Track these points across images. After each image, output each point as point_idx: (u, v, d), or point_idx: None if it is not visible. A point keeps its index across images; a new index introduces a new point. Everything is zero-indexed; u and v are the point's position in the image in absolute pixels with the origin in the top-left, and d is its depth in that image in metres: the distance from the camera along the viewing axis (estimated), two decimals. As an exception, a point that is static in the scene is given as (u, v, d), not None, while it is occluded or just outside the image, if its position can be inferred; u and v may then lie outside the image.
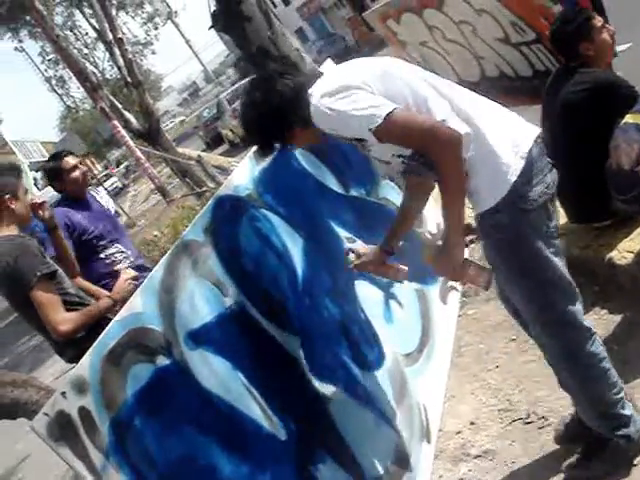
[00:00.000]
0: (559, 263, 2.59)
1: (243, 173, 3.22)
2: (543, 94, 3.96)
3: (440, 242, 2.72)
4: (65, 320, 3.39)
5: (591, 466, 2.85)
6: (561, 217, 4.24)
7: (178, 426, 2.35)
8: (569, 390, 2.87)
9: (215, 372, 2.56)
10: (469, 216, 5.34)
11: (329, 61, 4.73)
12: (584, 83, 3.58)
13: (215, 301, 2.72)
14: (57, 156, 4.54)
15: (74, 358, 3.54)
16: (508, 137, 2.50)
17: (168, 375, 2.40)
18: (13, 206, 3.54)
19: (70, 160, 4.47)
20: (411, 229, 3.12)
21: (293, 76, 2.71)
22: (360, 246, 3.09)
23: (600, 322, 3.64)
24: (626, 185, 3.28)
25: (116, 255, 4.46)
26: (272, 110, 2.62)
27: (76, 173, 4.46)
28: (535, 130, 2.59)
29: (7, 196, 3.53)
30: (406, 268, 3.07)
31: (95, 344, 2.25)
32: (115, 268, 4.36)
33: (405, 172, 2.60)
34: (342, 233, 3.65)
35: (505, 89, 6.06)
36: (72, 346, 3.56)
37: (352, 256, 3.06)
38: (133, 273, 3.89)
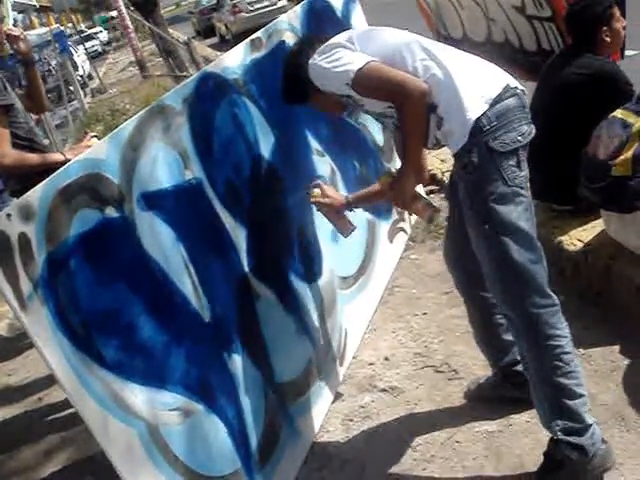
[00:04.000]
0: (522, 214, 2.56)
1: (236, 57, 3.19)
2: (544, 68, 3.97)
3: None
4: (8, 155, 3.37)
5: None
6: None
7: (110, 279, 2.35)
8: (528, 370, 2.72)
9: (159, 238, 2.56)
10: (436, 167, 5.41)
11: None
12: (589, 68, 3.64)
13: (176, 171, 2.70)
14: None
15: (16, 192, 3.54)
16: (478, 83, 2.58)
17: (113, 227, 2.39)
18: None
19: None
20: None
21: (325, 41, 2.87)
22: (327, 187, 3.28)
23: (532, 298, 3.73)
24: (596, 175, 3.32)
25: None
26: (296, 66, 2.87)
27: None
28: (512, 82, 2.60)
29: None
30: (355, 226, 3.29)
31: (51, 177, 2.22)
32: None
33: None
34: (313, 144, 3.67)
35: (505, 57, 6.04)
36: (16, 180, 3.55)
37: (317, 191, 3.22)
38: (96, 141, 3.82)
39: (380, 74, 2.58)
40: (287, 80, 2.96)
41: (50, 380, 4.47)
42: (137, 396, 2.38)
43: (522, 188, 2.56)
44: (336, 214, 3.24)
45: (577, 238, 3.79)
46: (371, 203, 3.28)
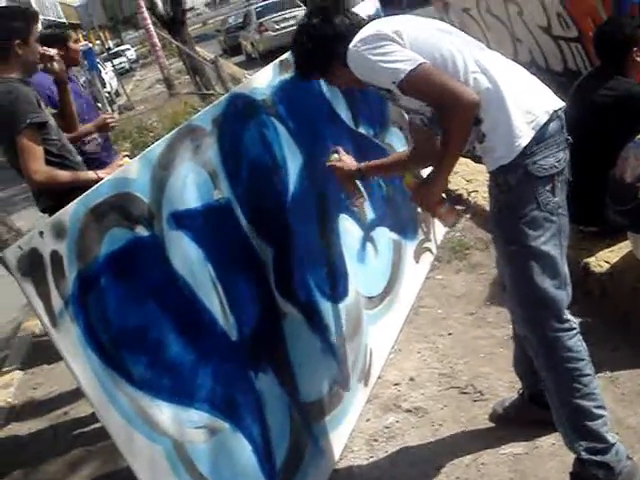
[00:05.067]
0: (550, 240, 2.57)
1: (264, 78, 3.23)
2: (572, 89, 3.97)
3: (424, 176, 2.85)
4: (40, 171, 3.42)
5: None
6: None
7: (139, 296, 2.38)
8: (548, 393, 2.74)
9: (187, 257, 2.60)
10: (462, 187, 5.40)
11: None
12: (617, 90, 3.64)
13: (205, 190, 2.74)
14: (61, 26, 4.66)
15: (47, 208, 3.60)
16: (526, 104, 2.53)
17: (143, 246, 2.43)
18: (21, 51, 3.50)
19: (73, 34, 4.50)
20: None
21: (349, 16, 2.81)
22: (345, 154, 3.31)
23: (558, 320, 3.72)
24: (623, 197, 3.32)
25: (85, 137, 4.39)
26: (323, 38, 2.73)
27: (77, 46, 4.49)
28: (556, 104, 2.61)
29: (17, 41, 3.49)
30: (364, 197, 3.36)
31: (83, 195, 2.26)
32: (84, 149, 4.33)
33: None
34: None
35: (532, 77, 6.07)
36: (48, 196, 3.60)
37: (335, 156, 3.28)
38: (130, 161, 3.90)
39: (433, 78, 2.48)
40: (308, 51, 2.80)
41: (75, 394, 4.52)
42: (164, 413, 2.40)
43: (553, 214, 2.57)
44: (347, 179, 3.27)
45: (604, 260, 3.77)
46: (383, 175, 3.31)
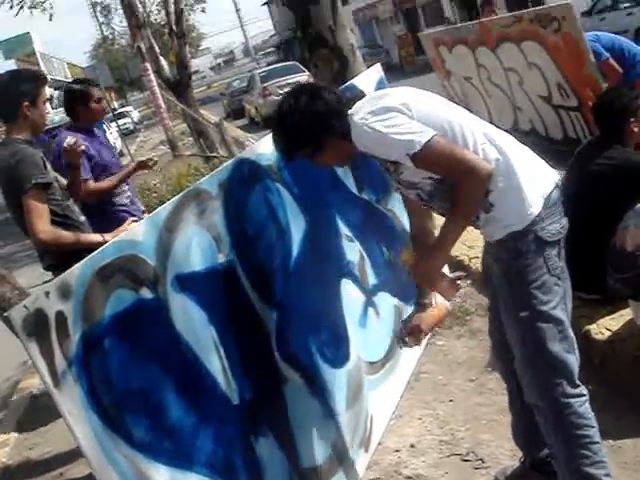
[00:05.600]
0: (559, 304, 2.62)
1: (269, 144, 3.27)
2: (573, 157, 4.03)
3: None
4: (46, 231, 3.48)
5: None
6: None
7: (142, 358, 2.39)
8: (556, 460, 2.76)
9: (191, 320, 2.61)
10: (463, 254, 5.42)
11: (378, 66, 4.79)
12: (616, 159, 3.69)
13: (210, 254, 2.77)
14: (86, 82, 4.64)
15: (51, 266, 3.65)
16: (532, 175, 2.60)
17: (147, 308, 2.45)
18: (29, 113, 3.60)
19: (97, 91, 4.55)
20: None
21: (337, 92, 2.81)
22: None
23: (560, 387, 3.71)
24: (624, 265, 3.35)
25: (116, 189, 4.51)
26: (316, 115, 2.66)
27: (100, 104, 4.57)
28: (556, 175, 2.70)
29: (25, 103, 3.58)
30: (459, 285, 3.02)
31: (90, 257, 2.29)
32: (113, 199, 4.46)
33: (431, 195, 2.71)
34: (343, 229, 3.71)
35: (531, 146, 6.11)
36: (52, 255, 3.64)
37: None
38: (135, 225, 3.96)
39: (447, 150, 2.49)
40: (300, 130, 2.68)
41: (71, 455, 4.47)
42: (162, 476, 2.39)
43: (560, 278, 2.62)
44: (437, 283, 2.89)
45: (605, 327, 3.78)
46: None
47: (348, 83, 4.39)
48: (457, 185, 2.52)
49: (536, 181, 2.59)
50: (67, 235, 3.56)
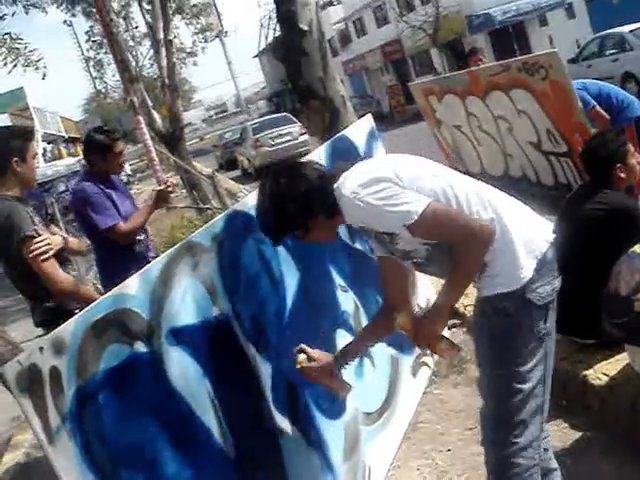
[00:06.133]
0: (539, 364, 2.61)
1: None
2: (564, 203, 4.05)
3: (418, 310, 2.80)
4: (67, 279, 3.55)
5: None
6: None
7: (137, 413, 2.37)
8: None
9: (185, 373, 2.60)
10: (459, 303, 5.39)
11: (369, 117, 4.83)
12: (609, 203, 3.71)
13: (204, 307, 2.77)
14: (109, 133, 4.46)
15: (41, 322, 3.66)
16: (527, 234, 2.57)
17: (141, 362, 2.44)
18: (19, 169, 3.63)
19: (121, 144, 4.47)
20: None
21: (317, 167, 2.74)
22: (313, 350, 2.95)
23: (559, 434, 3.68)
24: (619, 310, 3.33)
25: None
26: (299, 196, 2.58)
27: (122, 159, 4.52)
28: (551, 232, 2.66)
29: (15, 159, 3.61)
30: (351, 386, 3.02)
31: (83, 312, 2.29)
32: (135, 249, 4.43)
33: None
34: (337, 279, 3.72)
35: (523, 192, 6.14)
36: (43, 311, 3.64)
37: (302, 357, 2.92)
38: None
39: (444, 216, 2.46)
40: (284, 215, 2.60)
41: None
42: (158, 534, 2.35)
43: (543, 340, 2.60)
44: (328, 377, 2.94)
45: (602, 372, 3.75)
46: (362, 352, 3.00)
47: (339, 134, 4.42)
48: (458, 248, 2.50)
49: (531, 241, 2.56)
50: (86, 288, 3.60)
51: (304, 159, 2.86)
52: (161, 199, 4.54)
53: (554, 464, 2.93)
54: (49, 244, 3.52)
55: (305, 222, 2.63)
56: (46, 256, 3.52)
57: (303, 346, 2.95)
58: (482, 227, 2.46)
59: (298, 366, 2.91)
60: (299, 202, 2.58)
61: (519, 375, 2.58)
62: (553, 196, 5.58)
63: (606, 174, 3.85)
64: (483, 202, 2.55)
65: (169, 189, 4.57)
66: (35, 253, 3.48)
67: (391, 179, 2.50)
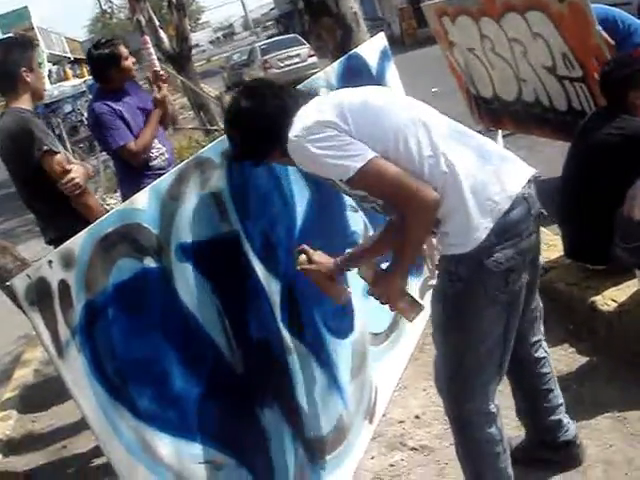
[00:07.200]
0: (495, 322, 2.51)
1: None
2: (577, 129, 3.98)
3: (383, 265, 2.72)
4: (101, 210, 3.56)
5: None
6: (558, 251, 4.31)
7: (146, 328, 2.37)
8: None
9: (195, 289, 2.58)
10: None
11: (382, 35, 4.73)
12: (625, 129, 3.64)
13: (214, 223, 2.74)
14: (109, 43, 4.28)
15: (54, 240, 3.59)
16: (486, 192, 2.38)
17: (151, 277, 2.42)
18: (29, 79, 3.58)
19: (123, 49, 4.29)
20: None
21: (285, 96, 2.58)
22: (314, 252, 2.90)
23: (565, 359, 3.70)
24: (631, 235, 3.31)
25: (152, 151, 4.32)
26: (256, 130, 2.53)
27: (130, 60, 4.33)
28: (521, 183, 2.46)
29: (23, 69, 3.55)
30: (350, 291, 3.02)
31: (92, 225, 2.26)
32: (150, 164, 4.30)
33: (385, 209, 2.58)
34: (347, 199, 3.68)
35: (535, 117, 6.09)
36: (54, 228, 3.61)
37: (303, 257, 2.88)
38: None
39: (385, 176, 2.33)
40: (238, 137, 2.59)
41: (74, 428, 4.48)
42: (167, 446, 2.38)
43: (502, 304, 2.48)
44: (327, 280, 2.88)
45: (611, 298, 3.74)
46: (364, 262, 2.85)
47: (352, 52, 4.33)
48: (401, 211, 2.40)
49: (489, 198, 2.37)
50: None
51: (280, 83, 2.70)
52: (159, 101, 4.40)
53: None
54: (75, 177, 3.49)
55: (259, 150, 2.60)
56: (79, 190, 3.51)
57: (304, 247, 2.92)
58: (426, 194, 2.31)
59: (298, 267, 2.89)
60: (252, 132, 2.53)
61: (473, 337, 2.51)
62: (566, 121, 5.51)
63: (621, 99, 3.76)
64: (438, 153, 2.37)
65: (160, 74, 4.54)
66: (69, 191, 3.48)
67: (337, 125, 2.39)
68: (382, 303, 2.71)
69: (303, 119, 2.45)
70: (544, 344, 2.94)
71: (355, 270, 2.85)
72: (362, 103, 2.50)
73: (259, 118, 2.52)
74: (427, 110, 2.57)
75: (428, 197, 2.31)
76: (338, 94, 2.65)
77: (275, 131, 2.49)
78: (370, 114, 2.45)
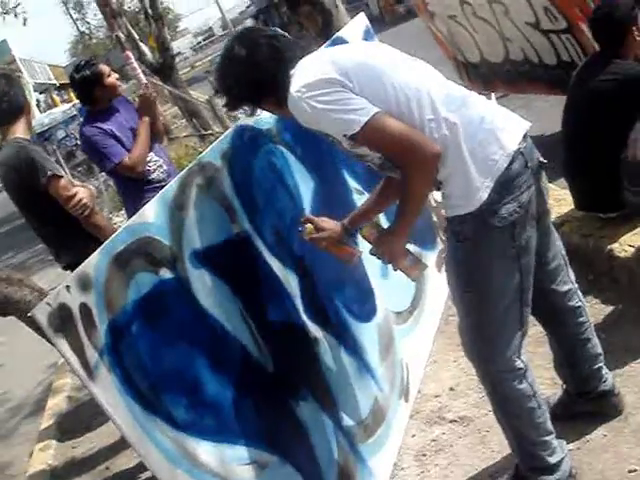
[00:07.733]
0: (509, 280, 2.52)
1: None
2: (571, 81, 3.94)
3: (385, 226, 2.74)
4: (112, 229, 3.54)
5: None
6: (568, 204, 4.29)
7: (171, 338, 2.38)
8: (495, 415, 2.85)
9: (214, 293, 2.59)
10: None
11: (362, 16, 4.71)
12: (616, 74, 3.60)
13: (223, 225, 2.74)
14: (89, 64, 4.22)
15: (70, 265, 3.59)
16: (484, 152, 2.39)
17: (169, 288, 2.43)
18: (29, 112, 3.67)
19: (104, 66, 4.26)
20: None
21: (281, 46, 2.54)
22: (319, 219, 2.92)
23: (591, 310, 3.65)
24: (638, 177, 3.30)
25: (149, 164, 4.28)
26: (249, 77, 2.51)
27: (114, 77, 4.27)
28: (518, 139, 2.46)
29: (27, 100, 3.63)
30: (361, 251, 3.00)
31: (104, 245, 2.26)
32: (149, 178, 4.27)
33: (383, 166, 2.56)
34: (352, 183, 3.68)
35: (526, 74, 6.06)
36: (69, 252, 3.62)
37: (310, 227, 2.89)
38: None
39: (388, 130, 2.32)
40: (231, 82, 2.57)
41: (114, 449, 4.49)
42: (210, 453, 2.39)
43: (513, 259, 2.49)
44: (336, 245, 2.91)
45: (628, 244, 3.72)
46: (371, 219, 2.88)
47: (334, 36, 4.31)
48: (403, 168, 2.39)
49: (489, 158, 2.38)
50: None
51: (277, 32, 2.65)
52: (146, 104, 4.34)
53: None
54: (82, 199, 3.51)
55: (252, 99, 2.60)
56: (88, 211, 3.53)
57: (309, 216, 2.95)
58: (428, 146, 2.31)
59: (306, 237, 2.89)
60: (248, 82, 2.52)
61: (489, 294, 2.52)
62: (557, 75, 5.48)
63: (620, 39, 3.69)
64: (438, 114, 2.37)
65: (149, 91, 4.44)
66: (78, 213, 3.51)
67: (340, 81, 2.37)
68: (385, 263, 2.74)
69: (305, 74, 2.43)
70: (578, 293, 2.90)
71: (368, 247, 2.82)
72: (365, 61, 2.49)
73: (252, 67, 2.50)
74: (429, 71, 2.57)
75: (431, 150, 2.32)
76: (339, 50, 2.66)
77: (268, 81, 2.49)
78: (373, 73, 2.43)
